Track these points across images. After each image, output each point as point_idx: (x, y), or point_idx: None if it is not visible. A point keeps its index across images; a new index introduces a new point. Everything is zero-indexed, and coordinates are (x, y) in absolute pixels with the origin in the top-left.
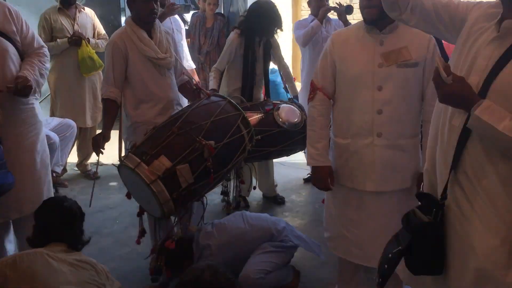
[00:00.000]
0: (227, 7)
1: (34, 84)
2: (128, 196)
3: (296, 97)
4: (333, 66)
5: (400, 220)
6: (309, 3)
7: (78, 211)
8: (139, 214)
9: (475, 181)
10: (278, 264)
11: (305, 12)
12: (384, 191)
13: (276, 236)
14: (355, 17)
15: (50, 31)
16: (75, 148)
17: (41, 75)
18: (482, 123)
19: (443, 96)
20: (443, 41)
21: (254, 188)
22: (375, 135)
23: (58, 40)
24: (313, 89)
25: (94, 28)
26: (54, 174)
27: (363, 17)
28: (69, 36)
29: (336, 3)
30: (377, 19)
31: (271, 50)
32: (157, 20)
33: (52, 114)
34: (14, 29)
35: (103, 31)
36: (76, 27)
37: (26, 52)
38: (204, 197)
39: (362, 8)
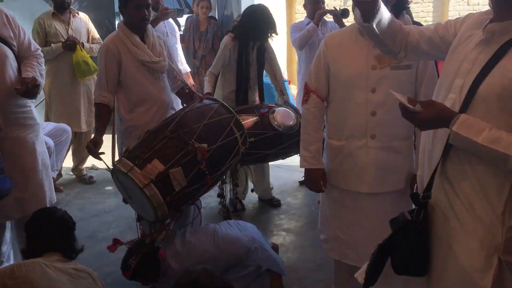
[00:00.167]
0: (220, 10)
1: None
2: (125, 201)
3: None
4: (327, 69)
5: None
6: (305, 6)
7: (70, 220)
8: (139, 219)
9: (455, 184)
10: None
11: (300, 15)
12: (378, 193)
13: (244, 260)
14: (350, 20)
15: (44, 36)
16: (70, 152)
17: (41, 75)
18: (461, 138)
19: (420, 124)
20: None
21: (252, 191)
22: (369, 137)
23: (52, 45)
24: (307, 92)
25: (88, 33)
26: None
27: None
28: (63, 41)
29: (333, 7)
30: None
31: (265, 55)
32: (149, 25)
33: (47, 118)
34: (12, 34)
35: (97, 36)
36: (70, 31)
37: (24, 56)
38: (199, 201)
39: (354, 8)
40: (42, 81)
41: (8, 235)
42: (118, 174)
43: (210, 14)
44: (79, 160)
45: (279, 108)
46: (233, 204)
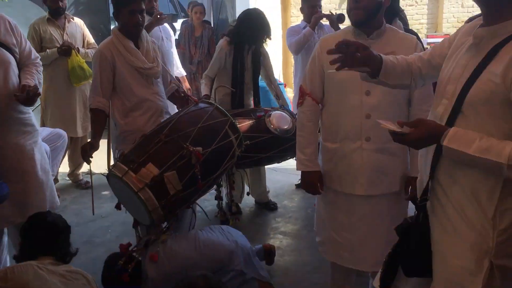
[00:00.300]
0: (215, 15)
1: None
2: (118, 206)
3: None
4: (321, 71)
5: (389, 224)
6: (301, 10)
7: (62, 224)
8: (135, 225)
9: (447, 189)
10: None
11: (295, 18)
12: (373, 195)
13: (226, 265)
14: (346, 23)
15: (39, 42)
16: (66, 158)
17: (39, 83)
18: (453, 152)
19: (412, 144)
20: None
21: (248, 194)
22: (363, 139)
23: (47, 50)
24: (302, 94)
25: (83, 38)
26: None
27: (350, 19)
28: (58, 46)
29: (329, 11)
30: (364, 21)
31: (260, 59)
32: (144, 31)
33: (43, 124)
34: (14, 41)
35: (92, 41)
36: (65, 37)
37: (24, 64)
38: (197, 205)
39: (349, 10)
40: (40, 89)
41: (5, 239)
42: (113, 178)
43: (205, 19)
44: (75, 165)
45: (275, 111)
46: (227, 206)
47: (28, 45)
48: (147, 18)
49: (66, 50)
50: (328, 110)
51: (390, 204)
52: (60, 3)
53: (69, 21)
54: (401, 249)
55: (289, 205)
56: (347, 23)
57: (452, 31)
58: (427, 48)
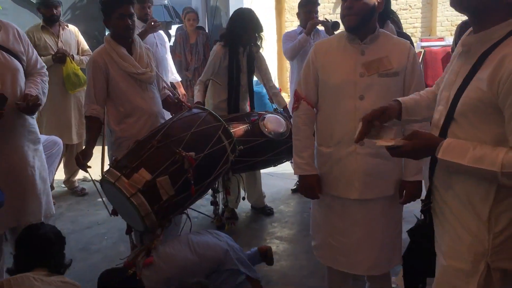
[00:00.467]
0: (210, 20)
1: (41, 101)
2: (114, 213)
3: (284, 108)
4: (316, 75)
5: (384, 227)
6: (298, 15)
7: (55, 236)
8: (128, 232)
9: (443, 193)
10: None
11: (289, 23)
12: (368, 199)
13: (224, 263)
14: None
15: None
16: (61, 165)
17: (44, 93)
18: (448, 163)
19: (408, 156)
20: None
21: (244, 198)
22: (357, 144)
23: (42, 57)
24: (297, 99)
25: (78, 45)
26: None
27: (344, 25)
28: (53, 53)
29: (324, 18)
30: (358, 27)
31: (254, 62)
32: (137, 36)
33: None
34: (22, 49)
35: (87, 47)
36: (60, 44)
37: (30, 73)
38: (194, 211)
39: (342, 16)
40: (44, 99)
41: (5, 250)
42: (106, 184)
43: (200, 25)
44: (70, 172)
45: (269, 115)
46: (223, 212)
47: (35, 54)
48: (141, 25)
49: (61, 57)
50: (322, 114)
51: (385, 208)
52: (55, 11)
53: (63, 29)
54: (411, 250)
55: (285, 210)
56: (342, 29)
57: (446, 34)
58: (420, 52)
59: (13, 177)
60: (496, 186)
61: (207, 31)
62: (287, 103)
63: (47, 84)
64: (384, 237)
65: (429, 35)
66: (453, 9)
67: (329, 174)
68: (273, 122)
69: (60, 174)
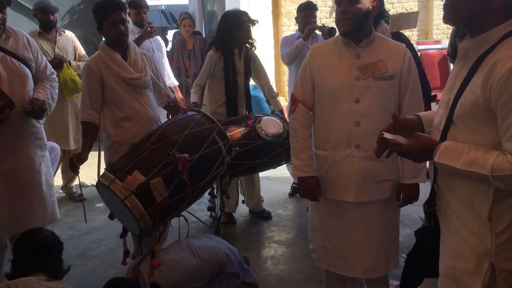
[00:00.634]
0: (207, 25)
1: (47, 107)
2: (111, 217)
3: (281, 111)
4: (312, 79)
5: (381, 230)
6: (296, 19)
7: (53, 241)
8: (122, 235)
9: (446, 194)
10: None
11: (286, 27)
12: (364, 202)
13: (226, 266)
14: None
15: None
16: (59, 171)
17: (52, 99)
18: (444, 166)
19: (407, 156)
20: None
21: (243, 202)
22: (353, 147)
23: None
24: (293, 102)
25: (75, 50)
26: None
27: (339, 30)
28: (50, 59)
29: (321, 24)
30: (352, 31)
31: (250, 63)
32: (132, 42)
33: None
34: (31, 56)
35: (83, 53)
36: (57, 50)
37: (39, 78)
38: (192, 215)
39: (337, 21)
40: (53, 104)
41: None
42: (101, 187)
43: (197, 29)
44: (68, 178)
45: (266, 117)
46: (218, 215)
47: (44, 61)
48: (137, 31)
49: (58, 63)
50: (319, 118)
51: (381, 211)
52: (51, 17)
53: (60, 34)
54: (416, 251)
55: (283, 214)
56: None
57: (442, 37)
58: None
59: (19, 183)
60: (494, 187)
61: (204, 35)
62: (285, 107)
63: (56, 90)
64: (381, 240)
65: (426, 38)
66: None
67: (326, 177)
68: (269, 124)
69: (57, 180)
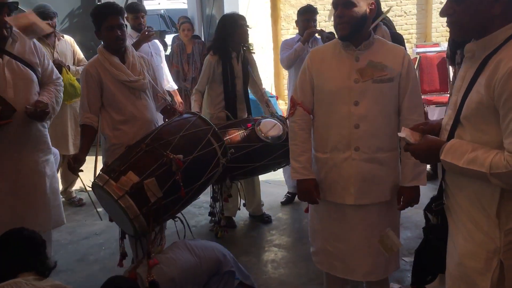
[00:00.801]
0: (206, 29)
1: (51, 110)
2: (111, 219)
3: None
4: (312, 82)
5: (380, 233)
6: (296, 23)
7: (39, 238)
8: (121, 238)
9: (454, 191)
10: None
11: (285, 31)
12: (364, 205)
13: (223, 265)
14: None
15: None
16: (59, 175)
17: (57, 102)
18: (448, 164)
19: (415, 155)
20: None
21: (244, 205)
22: (352, 149)
23: None
24: (293, 105)
25: (74, 55)
26: None
27: (337, 34)
28: None
29: (320, 28)
30: (350, 34)
31: (248, 67)
32: (130, 46)
33: None
34: (37, 61)
35: (82, 57)
36: (55, 55)
37: (45, 83)
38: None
39: (335, 26)
40: (57, 108)
41: None
42: (96, 188)
43: (196, 33)
44: (67, 183)
45: (265, 119)
46: (218, 220)
47: (50, 65)
48: (135, 35)
49: (57, 68)
50: (318, 120)
51: (382, 214)
52: (50, 22)
53: (59, 39)
54: (423, 248)
55: (283, 218)
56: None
57: (441, 40)
58: (416, 57)
59: (23, 187)
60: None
61: (203, 39)
62: (284, 110)
63: (61, 94)
64: None
65: (424, 41)
66: None
67: (326, 179)
68: (269, 127)
69: None
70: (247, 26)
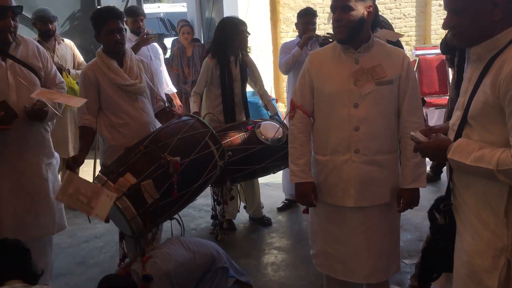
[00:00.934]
0: (205, 32)
1: (51, 111)
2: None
3: (276, 115)
4: (311, 85)
5: (381, 235)
6: (296, 25)
7: (23, 245)
8: (121, 239)
9: (462, 190)
10: None
11: (285, 34)
12: (364, 207)
13: (216, 260)
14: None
15: None
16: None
17: (59, 105)
18: (456, 163)
19: (423, 153)
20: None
21: (245, 207)
22: (352, 152)
23: None
24: (292, 108)
25: (74, 59)
26: None
27: (336, 37)
28: None
29: (317, 33)
30: (347, 38)
31: (247, 69)
32: (129, 49)
33: None
34: (40, 65)
35: (82, 60)
36: (56, 59)
37: (48, 87)
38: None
39: (334, 29)
40: (60, 110)
41: None
42: None
43: (196, 37)
44: None
45: (265, 122)
46: (220, 223)
47: (54, 70)
48: (134, 38)
49: None
50: (318, 123)
51: (382, 216)
52: (50, 26)
53: (59, 43)
54: (431, 247)
55: (283, 220)
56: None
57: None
58: (415, 60)
59: (26, 190)
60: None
61: (202, 42)
62: (283, 113)
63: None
64: (381, 245)
65: (424, 44)
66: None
67: (326, 182)
68: (269, 129)
69: None
70: (248, 32)
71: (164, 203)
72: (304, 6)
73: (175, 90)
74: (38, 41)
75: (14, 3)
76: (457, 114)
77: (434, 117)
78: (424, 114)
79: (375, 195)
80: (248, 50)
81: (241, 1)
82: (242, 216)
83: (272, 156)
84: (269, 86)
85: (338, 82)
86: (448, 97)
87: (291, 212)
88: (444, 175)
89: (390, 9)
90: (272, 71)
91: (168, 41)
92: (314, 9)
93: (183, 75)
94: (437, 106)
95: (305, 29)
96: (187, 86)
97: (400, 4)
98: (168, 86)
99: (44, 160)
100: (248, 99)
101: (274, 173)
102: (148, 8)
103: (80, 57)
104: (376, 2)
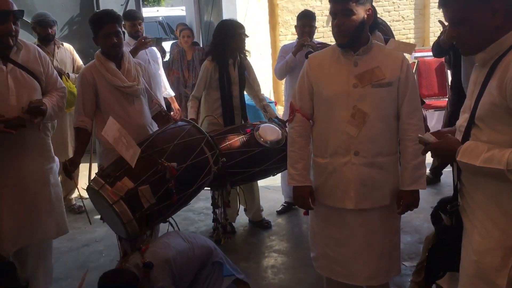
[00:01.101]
0: (204, 36)
1: (50, 110)
2: (102, 218)
3: (275, 118)
4: (310, 88)
5: (381, 237)
6: (296, 28)
7: (5, 259)
8: (120, 239)
9: (470, 190)
10: None
11: (283, 37)
12: (364, 209)
13: (213, 254)
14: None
15: None
16: None
17: (58, 107)
18: (465, 165)
19: (432, 154)
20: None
21: (245, 210)
22: (352, 154)
23: None
24: (292, 111)
25: (73, 63)
26: None
27: (336, 42)
28: None
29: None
30: (348, 43)
31: (245, 72)
32: (127, 52)
33: None
34: (41, 69)
35: (81, 63)
36: (55, 63)
37: (49, 91)
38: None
39: (334, 35)
40: (60, 113)
41: None
42: (91, 191)
43: (194, 40)
44: (67, 190)
45: (264, 124)
46: (223, 227)
47: (55, 74)
48: (132, 42)
49: None
50: (318, 125)
51: (382, 218)
52: (49, 30)
53: (58, 47)
54: (437, 247)
55: (282, 223)
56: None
57: None
58: (414, 62)
59: (27, 194)
60: None
61: (201, 46)
62: (281, 116)
63: (64, 101)
64: (382, 247)
65: (423, 46)
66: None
67: (325, 184)
68: (268, 131)
69: None
70: (245, 35)
71: (160, 207)
72: (302, 9)
73: (173, 94)
74: (37, 45)
75: (15, 8)
76: (464, 116)
77: (434, 119)
78: (424, 116)
79: (375, 197)
80: (247, 54)
81: (240, 4)
82: (241, 219)
83: (271, 158)
84: (268, 89)
85: (337, 85)
86: (447, 99)
87: (291, 215)
88: (443, 177)
89: (389, 12)
90: (271, 74)
91: (166, 45)
92: (313, 11)
93: (183, 78)
94: (437, 108)
95: (301, 32)
96: (187, 89)
97: (398, 7)
98: (166, 89)
99: (45, 164)
100: (247, 102)
101: (274, 175)
102: (147, 12)
103: (80, 61)
104: (375, 5)
